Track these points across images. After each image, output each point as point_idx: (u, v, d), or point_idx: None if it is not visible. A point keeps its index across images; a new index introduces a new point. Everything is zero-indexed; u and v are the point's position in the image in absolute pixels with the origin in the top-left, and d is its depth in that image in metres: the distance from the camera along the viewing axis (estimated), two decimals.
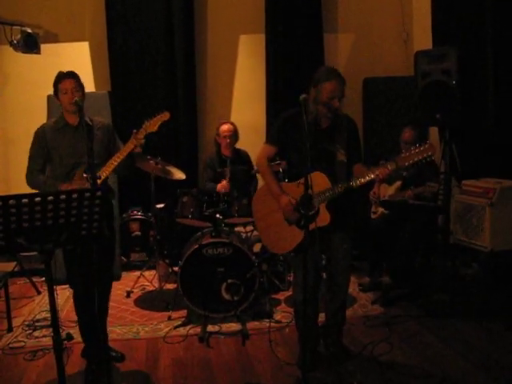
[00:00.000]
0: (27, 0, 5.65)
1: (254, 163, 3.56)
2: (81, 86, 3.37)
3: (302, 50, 5.94)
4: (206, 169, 5.14)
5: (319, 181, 3.11)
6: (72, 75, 3.36)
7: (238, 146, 5.14)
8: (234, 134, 5.03)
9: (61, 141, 3.37)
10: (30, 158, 3.43)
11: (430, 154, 3.07)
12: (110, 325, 3.86)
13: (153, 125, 3.47)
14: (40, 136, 3.41)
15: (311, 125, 3.15)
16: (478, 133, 5.11)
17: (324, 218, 3.17)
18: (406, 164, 3.11)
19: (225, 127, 5.01)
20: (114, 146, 3.51)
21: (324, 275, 3.58)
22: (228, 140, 4.98)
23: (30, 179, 3.40)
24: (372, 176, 3.13)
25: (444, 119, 4.41)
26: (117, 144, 3.55)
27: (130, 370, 3.48)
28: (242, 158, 5.07)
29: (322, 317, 3.61)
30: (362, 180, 3.14)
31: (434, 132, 5.69)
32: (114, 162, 3.31)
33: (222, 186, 4.71)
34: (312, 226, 2.96)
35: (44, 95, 5.19)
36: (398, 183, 4.74)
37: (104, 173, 3.26)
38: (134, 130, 3.42)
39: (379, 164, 3.18)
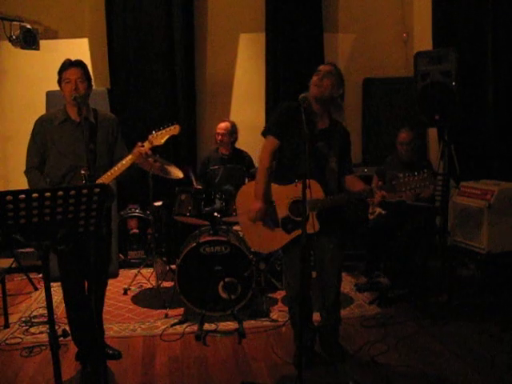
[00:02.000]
0: None
1: (257, 160, 3.45)
2: (87, 77, 3.19)
3: (302, 50, 5.95)
4: (201, 168, 5.17)
5: (313, 189, 3.03)
6: (78, 64, 3.18)
7: (238, 144, 5.14)
8: (229, 133, 5.00)
9: (60, 137, 3.19)
10: (27, 153, 3.26)
11: (428, 183, 3.10)
12: (106, 322, 3.86)
13: (160, 138, 3.28)
14: (38, 129, 3.24)
15: (308, 123, 3.15)
16: (476, 134, 5.13)
17: (312, 226, 3.14)
18: (404, 190, 3.13)
19: (220, 125, 5.03)
20: (115, 146, 3.34)
21: (314, 274, 3.59)
22: (220, 137, 5.00)
23: (28, 177, 3.24)
24: (368, 197, 3.17)
25: (443, 120, 4.41)
26: (118, 144, 3.36)
27: (126, 368, 3.47)
28: (240, 158, 5.06)
29: (318, 316, 3.62)
30: (356, 201, 3.22)
31: (432, 133, 5.71)
32: (114, 173, 3.17)
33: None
34: (298, 233, 2.97)
35: (43, 91, 5.19)
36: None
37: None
38: (139, 143, 3.25)
39: (379, 187, 3.19)
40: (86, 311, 3.31)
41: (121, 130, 3.43)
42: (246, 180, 4.79)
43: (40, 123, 3.26)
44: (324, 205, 3.19)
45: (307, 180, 2.81)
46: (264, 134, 3.39)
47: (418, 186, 3.09)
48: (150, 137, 3.28)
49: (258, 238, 3.43)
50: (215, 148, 5.15)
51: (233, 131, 5.03)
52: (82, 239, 2.87)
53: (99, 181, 3.14)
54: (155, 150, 3.67)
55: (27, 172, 3.26)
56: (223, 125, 5.02)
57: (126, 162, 3.21)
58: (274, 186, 3.37)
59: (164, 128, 3.31)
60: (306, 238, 2.84)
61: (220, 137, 4.99)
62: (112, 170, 3.20)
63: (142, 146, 3.25)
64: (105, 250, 3.35)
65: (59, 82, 3.21)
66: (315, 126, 3.27)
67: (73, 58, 3.25)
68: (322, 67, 3.31)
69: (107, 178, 3.18)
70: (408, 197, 4.54)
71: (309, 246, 3.14)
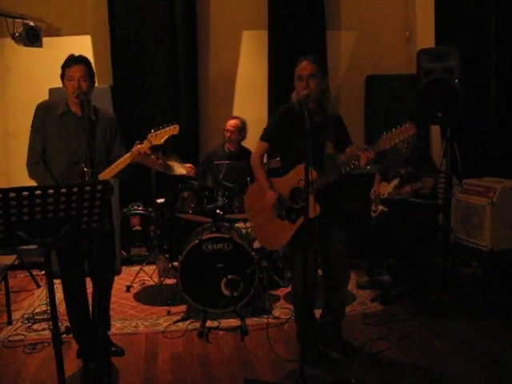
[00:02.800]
0: None
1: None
2: (90, 74, 3.16)
3: (304, 47, 5.92)
4: (203, 162, 5.17)
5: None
6: (82, 61, 3.14)
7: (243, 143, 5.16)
8: (238, 130, 5.03)
9: (60, 129, 3.17)
10: (30, 142, 3.22)
11: (411, 134, 2.96)
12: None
13: (159, 137, 3.26)
14: (39, 116, 3.20)
15: (303, 118, 3.17)
16: (479, 131, 5.12)
17: (314, 210, 3.14)
18: (388, 146, 3.03)
19: (230, 122, 5.06)
20: (113, 144, 3.32)
21: (320, 272, 3.60)
22: (229, 134, 5.02)
23: (29, 168, 3.21)
24: (356, 163, 3.09)
25: (446, 117, 4.40)
26: (116, 143, 3.33)
27: (128, 365, 3.48)
28: (244, 155, 5.06)
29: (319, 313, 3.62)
30: (347, 168, 3.13)
31: (435, 130, 5.69)
32: (112, 170, 3.16)
33: (190, 167, 4.72)
34: (302, 220, 2.99)
35: (46, 88, 5.17)
36: (396, 181, 4.74)
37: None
38: (137, 141, 3.23)
39: (363, 148, 3.16)
40: (86, 309, 3.32)
41: (120, 128, 3.41)
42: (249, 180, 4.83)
43: (42, 109, 3.23)
44: (319, 184, 3.19)
45: (300, 166, 2.85)
46: (260, 138, 3.52)
47: (401, 138, 2.96)
48: (149, 136, 3.26)
49: (270, 236, 3.46)
50: (222, 143, 5.17)
51: (242, 129, 5.05)
52: (85, 236, 2.88)
53: (99, 178, 3.12)
54: (157, 146, 3.69)
55: (31, 165, 3.21)
56: (232, 122, 5.04)
57: (125, 159, 3.20)
58: (274, 180, 3.43)
59: (163, 127, 3.28)
60: (308, 223, 2.90)
61: (229, 133, 5.02)
62: (110, 168, 3.19)
63: (141, 144, 3.24)
64: (108, 246, 3.34)
65: (62, 77, 3.18)
66: (313, 121, 3.27)
67: (79, 54, 3.22)
68: (302, 71, 3.28)
69: (106, 175, 3.17)
70: (408, 192, 4.54)
71: (313, 234, 3.11)
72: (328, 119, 3.36)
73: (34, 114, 3.24)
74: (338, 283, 3.46)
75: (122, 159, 3.20)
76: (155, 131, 3.28)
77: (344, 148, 3.39)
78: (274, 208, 3.36)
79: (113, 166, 3.20)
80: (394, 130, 3.03)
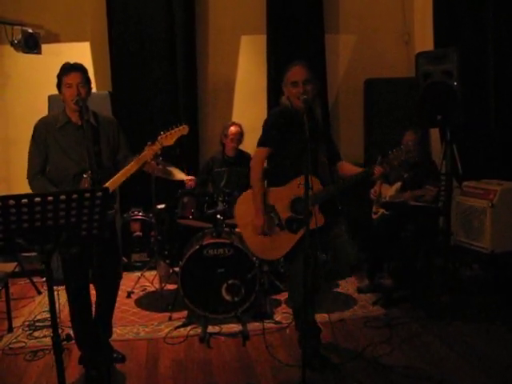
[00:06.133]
0: (28, 0, 5.65)
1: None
2: (87, 81, 3.16)
3: (303, 51, 5.93)
4: (203, 170, 5.17)
5: (313, 183, 3.04)
6: (79, 68, 3.13)
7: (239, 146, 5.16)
8: (241, 137, 5.06)
9: (62, 140, 3.15)
10: (29, 158, 3.21)
11: (403, 159, 3.20)
12: None
13: (169, 139, 3.26)
14: (40, 130, 3.18)
15: (302, 125, 3.18)
16: (479, 134, 5.12)
17: (318, 220, 3.13)
18: (396, 163, 3.20)
19: (233, 129, 5.04)
20: (119, 147, 3.32)
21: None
22: (234, 142, 5.03)
23: (34, 185, 3.18)
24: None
25: (445, 120, 4.40)
26: (122, 145, 3.34)
27: (130, 371, 3.47)
28: (244, 159, 5.07)
29: (324, 317, 3.60)
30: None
31: (434, 133, 5.70)
32: (122, 176, 3.14)
33: (190, 180, 4.73)
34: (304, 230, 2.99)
35: (45, 95, 5.19)
36: (398, 184, 4.73)
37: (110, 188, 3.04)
38: (149, 142, 3.22)
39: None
40: (89, 315, 3.32)
41: (122, 131, 3.41)
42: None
43: (41, 125, 3.22)
44: (326, 195, 3.20)
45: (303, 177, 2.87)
46: (258, 145, 3.42)
47: (405, 156, 3.20)
48: (160, 138, 3.26)
49: (264, 247, 3.40)
50: (221, 150, 5.17)
51: (242, 134, 5.09)
52: (86, 242, 2.87)
53: (106, 185, 3.08)
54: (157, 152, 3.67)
55: (32, 179, 3.19)
56: (234, 129, 5.04)
57: (132, 166, 3.15)
58: (273, 189, 3.37)
59: (173, 129, 3.30)
60: (309, 233, 2.89)
61: (234, 142, 5.02)
62: (116, 177, 3.15)
63: (152, 146, 3.22)
64: (112, 253, 3.32)
65: (58, 85, 3.17)
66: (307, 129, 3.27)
67: (74, 62, 3.21)
68: (297, 76, 3.25)
69: (113, 183, 3.13)
70: (409, 197, 4.56)
71: (314, 245, 3.11)
72: (319, 126, 3.34)
73: (34, 130, 3.22)
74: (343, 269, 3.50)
75: (128, 167, 3.17)
76: (165, 133, 3.28)
77: (334, 159, 3.39)
78: (263, 233, 3.31)
79: (119, 174, 3.16)
80: (398, 149, 3.21)
